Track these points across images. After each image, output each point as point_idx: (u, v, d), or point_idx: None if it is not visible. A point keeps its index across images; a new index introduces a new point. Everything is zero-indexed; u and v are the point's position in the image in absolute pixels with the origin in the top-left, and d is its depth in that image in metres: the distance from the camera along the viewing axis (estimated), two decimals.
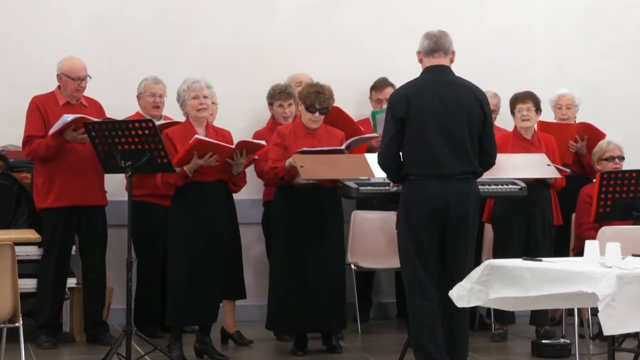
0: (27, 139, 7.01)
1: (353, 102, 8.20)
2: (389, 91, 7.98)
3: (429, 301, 5.65)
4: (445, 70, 5.80)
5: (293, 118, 7.40)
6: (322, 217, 6.76)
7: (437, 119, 5.67)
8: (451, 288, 5.19)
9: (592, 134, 7.82)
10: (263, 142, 6.90)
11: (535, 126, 7.47)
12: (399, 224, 5.83)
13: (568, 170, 7.39)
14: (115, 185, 7.38)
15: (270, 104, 7.68)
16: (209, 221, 6.57)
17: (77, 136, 6.86)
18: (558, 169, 7.15)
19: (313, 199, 6.74)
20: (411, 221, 5.68)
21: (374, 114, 7.79)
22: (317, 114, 6.79)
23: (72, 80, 7.04)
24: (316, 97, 6.76)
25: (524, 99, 7.33)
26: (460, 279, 5.23)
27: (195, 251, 6.53)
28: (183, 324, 6.81)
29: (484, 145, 5.77)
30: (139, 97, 7.57)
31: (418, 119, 5.66)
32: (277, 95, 7.57)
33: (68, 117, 6.79)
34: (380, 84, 8.13)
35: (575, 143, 7.85)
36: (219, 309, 6.85)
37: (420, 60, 5.84)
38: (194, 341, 6.75)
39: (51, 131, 6.88)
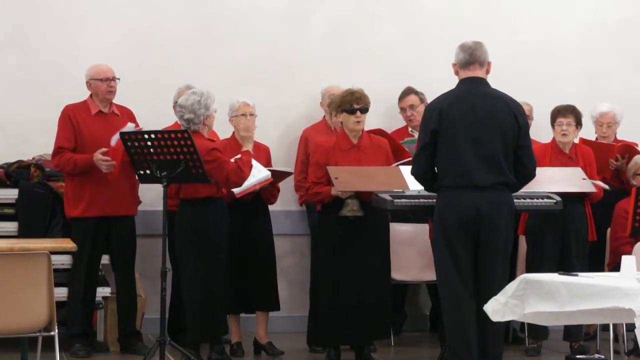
0: (58, 150, 7.06)
1: (385, 114, 8.20)
2: (410, 99, 8.03)
3: (466, 313, 5.63)
4: (481, 82, 5.81)
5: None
6: (370, 230, 6.72)
7: (469, 130, 5.68)
8: (484, 299, 5.18)
9: (632, 154, 7.74)
10: (290, 170, 7.14)
11: (577, 139, 7.45)
12: (434, 235, 5.84)
13: (606, 186, 7.33)
14: (152, 196, 7.41)
15: (330, 113, 7.71)
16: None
17: (103, 164, 6.90)
18: (594, 184, 7.11)
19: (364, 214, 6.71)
20: (445, 231, 5.69)
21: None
22: (358, 113, 6.76)
23: (101, 81, 7.10)
24: (351, 97, 6.77)
25: (565, 113, 7.30)
26: (491, 290, 5.22)
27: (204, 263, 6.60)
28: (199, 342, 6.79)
29: (520, 157, 5.76)
30: (174, 106, 7.61)
31: (450, 130, 5.69)
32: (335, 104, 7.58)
33: (114, 139, 6.84)
34: (402, 94, 8.13)
35: (616, 162, 7.79)
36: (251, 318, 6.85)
37: (457, 73, 5.86)
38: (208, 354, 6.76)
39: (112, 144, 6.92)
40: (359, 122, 6.78)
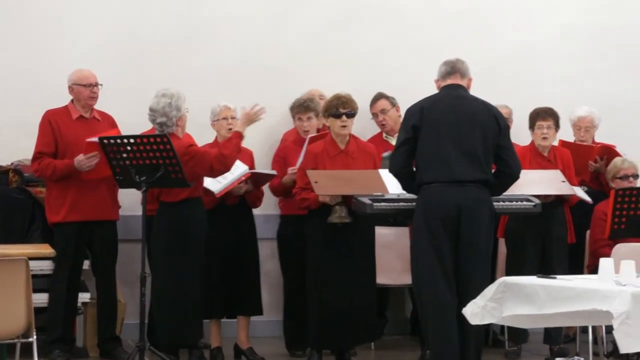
0: (37, 155, 7.04)
1: (365, 119, 8.20)
2: (381, 104, 8.04)
3: (450, 314, 5.64)
4: (460, 87, 5.95)
5: (315, 132, 7.38)
6: (357, 235, 6.72)
7: (450, 129, 5.78)
8: (465, 299, 5.19)
9: (611, 156, 7.77)
10: (274, 172, 7.13)
11: (556, 142, 7.48)
12: (415, 234, 5.84)
13: (587, 198, 7.34)
14: (130, 200, 7.39)
15: (293, 117, 7.71)
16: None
17: (85, 163, 6.86)
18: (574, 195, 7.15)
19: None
20: (429, 228, 5.70)
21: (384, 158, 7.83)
22: (343, 117, 6.77)
23: (84, 87, 7.10)
24: (337, 102, 6.78)
25: (545, 116, 7.32)
26: (473, 291, 5.22)
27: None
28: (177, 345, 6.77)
29: (503, 158, 5.84)
30: None
31: (431, 128, 5.79)
32: (296, 108, 7.58)
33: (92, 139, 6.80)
34: (373, 100, 8.08)
35: (595, 163, 7.81)
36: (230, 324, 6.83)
37: (438, 87, 5.97)
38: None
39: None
40: (344, 126, 6.78)
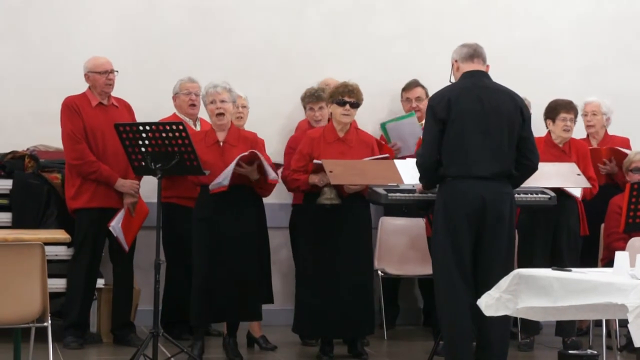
0: (76, 138, 6.99)
1: (380, 107, 8.21)
2: (417, 91, 8.05)
3: (462, 308, 5.63)
4: (484, 75, 5.88)
5: (327, 121, 7.39)
6: (350, 222, 6.74)
7: (476, 121, 5.72)
8: (487, 289, 5.16)
9: (619, 156, 7.72)
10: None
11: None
12: (436, 227, 5.82)
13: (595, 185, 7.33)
14: (145, 188, 7.40)
15: (304, 107, 7.70)
16: (232, 224, 6.60)
17: (126, 184, 7.02)
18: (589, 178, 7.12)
19: (342, 205, 6.72)
20: (451, 222, 5.68)
21: (383, 125, 7.84)
22: (347, 106, 6.78)
23: (99, 74, 7.10)
24: (344, 90, 6.78)
25: (569, 109, 7.30)
26: (496, 281, 5.20)
27: (215, 253, 6.56)
28: (202, 325, 6.82)
29: (524, 149, 5.80)
30: (174, 97, 7.59)
31: (458, 121, 5.72)
32: (307, 98, 7.59)
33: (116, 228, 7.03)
34: (409, 85, 8.15)
35: (604, 166, 7.78)
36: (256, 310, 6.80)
37: (457, 69, 5.87)
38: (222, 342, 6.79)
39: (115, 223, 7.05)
40: (346, 115, 6.78)
